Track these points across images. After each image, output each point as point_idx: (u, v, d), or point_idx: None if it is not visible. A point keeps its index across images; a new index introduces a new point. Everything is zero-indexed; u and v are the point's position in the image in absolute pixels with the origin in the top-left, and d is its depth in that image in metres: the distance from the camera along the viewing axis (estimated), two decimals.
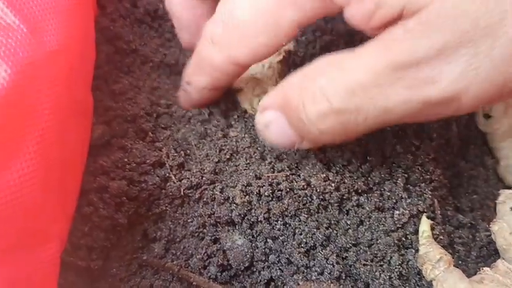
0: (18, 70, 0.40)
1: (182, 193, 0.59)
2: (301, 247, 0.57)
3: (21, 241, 0.42)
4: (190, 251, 0.59)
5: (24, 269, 0.43)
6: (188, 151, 0.62)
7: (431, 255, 0.54)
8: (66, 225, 0.50)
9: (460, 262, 0.60)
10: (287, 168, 0.60)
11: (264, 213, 0.58)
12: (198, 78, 0.60)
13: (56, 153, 0.46)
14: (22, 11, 0.44)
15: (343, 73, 0.45)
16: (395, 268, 0.57)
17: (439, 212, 0.60)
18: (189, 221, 0.60)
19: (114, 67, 0.68)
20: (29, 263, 0.43)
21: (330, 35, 0.69)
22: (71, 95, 0.49)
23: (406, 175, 0.60)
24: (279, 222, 0.58)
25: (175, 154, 0.61)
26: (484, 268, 0.55)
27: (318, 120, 0.46)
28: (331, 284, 0.55)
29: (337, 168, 0.60)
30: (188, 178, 0.60)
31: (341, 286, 0.55)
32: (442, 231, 0.59)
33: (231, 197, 0.58)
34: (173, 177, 0.60)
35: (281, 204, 0.58)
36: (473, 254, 0.62)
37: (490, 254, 0.62)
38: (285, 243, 0.58)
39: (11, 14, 0.42)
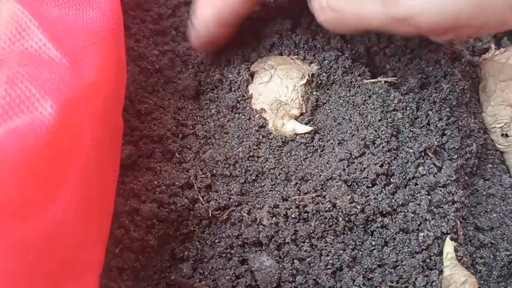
0: (62, 105, 0.41)
1: (210, 214, 0.60)
2: (328, 268, 0.59)
3: (65, 272, 0.43)
4: (218, 271, 0.60)
5: None
6: (214, 171, 0.64)
7: (456, 278, 0.56)
8: (104, 251, 0.51)
9: (482, 282, 0.62)
10: (312, 190, 0.61)
11: (291, 235, 0.59)
12: (203, 9, 0.65)
13: (95, 182, 0.47)
14: (63, 45, 0.45)
15: None
16: None
17: (461, 232, 0.61)
18: (216, 241, 0.61)
19: (139, 87, 0.69)
20: None
21: (351, 58, 0.70)
22: (106, 123, 0.50)
23: (429, 197, 0.62)
24: (305, 243, 0.60)
25: (202, 175, 0.63)
26: None
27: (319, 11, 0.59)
28: None
29: (362, 190, 0.61)
30: (216, 199, 0.61)
31: None
32: (465, 252, 0.60)
33: (258, 219, 0.60)
34: (201, 199, 0.61)
35: (308, 226, 0.59)
36: (495, 274, 0.63)
37: (511, 273, 0.63)
38: (311, 265, 0.59)
39: (53, 48, 0.43)
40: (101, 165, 0.49)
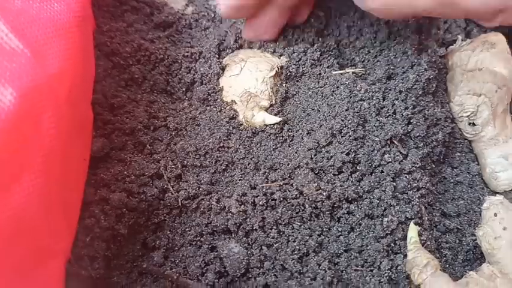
0: (23, 93, 0.42)
1: (180, 203, 0.61)
2: (295, 254, 0.60)
3: (28, 258, 0.44)
4: (188, 259, 0.61)
5: (33, 284, 0.45)
6: (185, 162, 0.65)
7: (418, 260, 0.57)
8: (70, 240, 0.52)
9: (447, 266, 0.63)
10: (280, 178, 0.63)
11: (259, 222, 0.60)
12: None
13: (59, 171, 0.48)
14: (25, 36, 0.46)
15: None
16: (385, 273, 0.59)
17: (426, 218, 0.63)
18: (187, 230, 0.62)
19: (112, 81, 0.70)
20: (37, 278, 0.45)
21: (320, 50, 0.72)
22: (72, 113, 0.51)
23: (394, 183, 0.63)
24: (273, 230, 0.61)
25: (172, 166, 0.64)
26: (469, 272, 0.58)
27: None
28: None
29: (328, 178, 0.63)
30: (185, 189, 0.62)
31: None
32: (430, 236, 0.62)
33: (227, 207, 0.61)
34: (171, 189, 0.62)
35: (275, 213, 0.61)
36: (460, 258, 0.64)
37: (476, 257, 0.64)
38: (279, 250, 0.61)
39: (15, 38, 0.45)
40: (67, 154, 0.50)
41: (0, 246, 0.41)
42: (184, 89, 0.73)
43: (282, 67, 0.70)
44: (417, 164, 0.64)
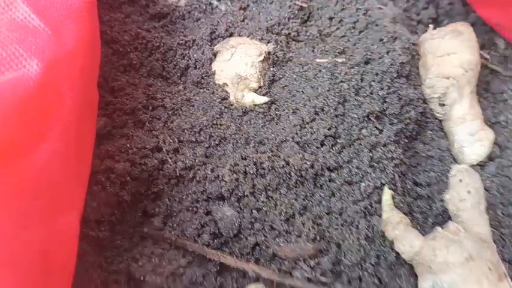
0: (46, 65, 0.48)
1: (178, 173, 0.68)
2: (282, 216, 0.67)
3: (50, 208, 0.50)
4: (185, 223, 0.67)
5: (54, 231, 0.51)
6: (181, 138, 0.71)
7: (392, 219, 0.64)
8: (82, 199, 0.58)
9: (418, 228, 0.70)
10: (269, 151, 0.69)
11: (250, 189, 0.67)
12: None
13: (74, 139, 0.54)
14: (45, 16, 0.52)
15: None
16: (363, 231, 0.66)
17: (399, 184, 0.70)
18: (184, 197, 0.68)
19: (112, 67, 0.77)
20: (56, 227, 0.51)
21: (303, 38, 0.79)
22: (84, 90, 0.57)
23: (370, 154, 0.70)
24: (262, 195, 0.68)
25: (170, 141, 0.70)
26: (437, 227, 0.65)
27: None
28: (308, 243, 0.64)
29: (312, 150, 0.70)
30: (183, 161, 0.69)
31: (316, 246, 0.65)
32: (403, 201, 0.69)
33: (220, 176, 0.68)
34: (169, 160, 0.68)
35: (264, 180, 0.68)
36: (430, 221, 0.71)
37: (445, 220, 0.71)
38: (268, 213, 0.67)
39: (36, 18, 0.51)
40: (79, 125, 0.56)
41: (29, 195, 0.47)
42: (179, 74, 0.79)
43: (269, 53, 0.77)
44: (391, 138, 0.71)
